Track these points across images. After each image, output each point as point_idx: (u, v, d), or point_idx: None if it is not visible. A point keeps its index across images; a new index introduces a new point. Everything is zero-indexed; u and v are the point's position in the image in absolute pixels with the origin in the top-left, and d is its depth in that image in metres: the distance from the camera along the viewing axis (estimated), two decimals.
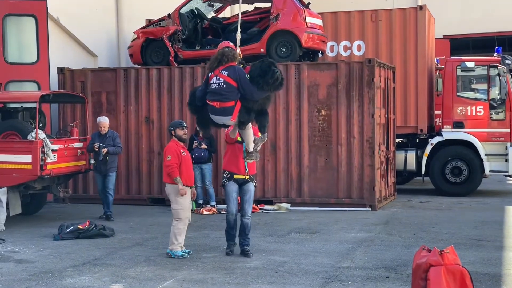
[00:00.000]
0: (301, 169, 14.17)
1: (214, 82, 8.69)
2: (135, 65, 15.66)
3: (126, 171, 15.03)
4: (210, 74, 8.82)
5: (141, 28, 15.73)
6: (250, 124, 9.06)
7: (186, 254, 9.47)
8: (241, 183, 9.55)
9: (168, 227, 10.00)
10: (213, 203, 13.95)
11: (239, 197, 9.67)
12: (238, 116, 8.69)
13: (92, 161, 12.98)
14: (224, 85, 8.60)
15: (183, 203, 9.51)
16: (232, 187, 9.51)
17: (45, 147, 11.86)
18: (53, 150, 12.08)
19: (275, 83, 8.55)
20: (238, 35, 9.55)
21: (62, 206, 14.51)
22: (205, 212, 13.50)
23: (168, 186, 9.66)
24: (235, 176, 9.50)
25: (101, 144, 12.71)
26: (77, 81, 15.28)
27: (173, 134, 9.76)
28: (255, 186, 9.75)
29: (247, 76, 8.66)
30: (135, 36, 15.58)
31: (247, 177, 9.53)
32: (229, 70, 8.66)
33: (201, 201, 13.79)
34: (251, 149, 9.28)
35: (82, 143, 13.00)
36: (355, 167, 13.90)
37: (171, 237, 9.54)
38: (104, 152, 12.69)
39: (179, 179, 9.45)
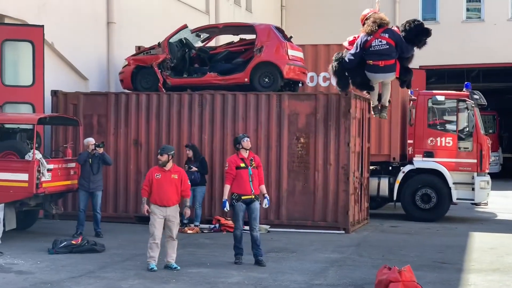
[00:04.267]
0: (280, 192, 15.00)
1: (376, 44, 9.81)
2: (126, 90, 16.51)
3: (114, 191, 15.78)
4: (369, 38, 9.85)
5: (132, 55, 16.59)
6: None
7: (155, 268, 10.26)
8: (248, 203, 10.89)
9: None
10: (197, 223, 14.73)
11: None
12: (400, 76, 9.92)
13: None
14: (387, 46, 9.76)
15: (152, 220, 10.48)
16: (240, 207, 10.91)
17: (41, 166, 12.64)
18: (48, 170, 12.88)
19: (426, 41, 9.84)
20: None
21: (51, 222, 15.21)
22: (189, 231, 14.30)
23: None
24: (243, 197, 10.84)
25: (100, 144, 13.65)
26: (69, 104, 16.05)
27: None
28: (268, 205, 11.16)
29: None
30: (126, 63, 16.42)
31: (253, 196, 10.87)
32: (389, 32, 9.85)
33: (185, 221, 14.56)
34: (387, 103, 10.47)
35: (75, 163, 13.79)
36: (330, 192, 14.75)
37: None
38: (100, 152, 13.53)
39: (143, 200, 10.59)
